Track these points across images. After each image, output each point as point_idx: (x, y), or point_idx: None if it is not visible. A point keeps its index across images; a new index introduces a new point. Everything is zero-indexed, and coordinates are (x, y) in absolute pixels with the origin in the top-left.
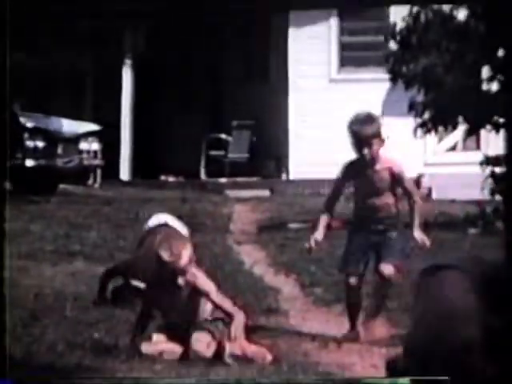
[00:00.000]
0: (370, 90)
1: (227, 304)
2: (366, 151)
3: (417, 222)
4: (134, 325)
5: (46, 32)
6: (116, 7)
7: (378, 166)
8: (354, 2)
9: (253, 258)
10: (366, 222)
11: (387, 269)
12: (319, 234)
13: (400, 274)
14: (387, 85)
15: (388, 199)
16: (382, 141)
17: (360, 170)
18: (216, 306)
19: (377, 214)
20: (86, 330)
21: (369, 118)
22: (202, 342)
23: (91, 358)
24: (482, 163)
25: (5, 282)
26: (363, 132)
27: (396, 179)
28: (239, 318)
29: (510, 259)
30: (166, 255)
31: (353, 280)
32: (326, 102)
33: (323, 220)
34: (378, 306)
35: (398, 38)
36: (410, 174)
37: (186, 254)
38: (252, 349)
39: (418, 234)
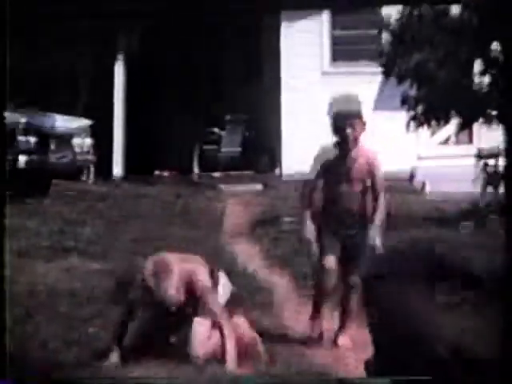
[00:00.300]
0: (363, 84)
1: (218, 313)
2: (348, 131)
3: (377, 222)
4: (119, 324)
5: (44, 31)
6: (116, 7)
7: (354, 153)
8: (345, 2)
9: (246, 252)
10: (336, 217)
11: (354, 279)
12: (309, 231)
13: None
14: (380, 79)
15: (359, 189)
16: (364, 124)
17: (336, 157)
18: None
19: (347, 207)
20: (81, 326)
21: (351, 99)
22: (202, 329)
23: (87, 354)
24: (477, 156)
25: (5, 279)
26: (346, 112)
27: (370, 170)
28: (228, 329)
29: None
30: (153, 287)
31: (331, 261)
32: (318, 95)
33: (307, 215)
34: (345, 314)
35: (392, 31)
36: (403, 166)
37: (171, 285)
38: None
39: (373, 236)
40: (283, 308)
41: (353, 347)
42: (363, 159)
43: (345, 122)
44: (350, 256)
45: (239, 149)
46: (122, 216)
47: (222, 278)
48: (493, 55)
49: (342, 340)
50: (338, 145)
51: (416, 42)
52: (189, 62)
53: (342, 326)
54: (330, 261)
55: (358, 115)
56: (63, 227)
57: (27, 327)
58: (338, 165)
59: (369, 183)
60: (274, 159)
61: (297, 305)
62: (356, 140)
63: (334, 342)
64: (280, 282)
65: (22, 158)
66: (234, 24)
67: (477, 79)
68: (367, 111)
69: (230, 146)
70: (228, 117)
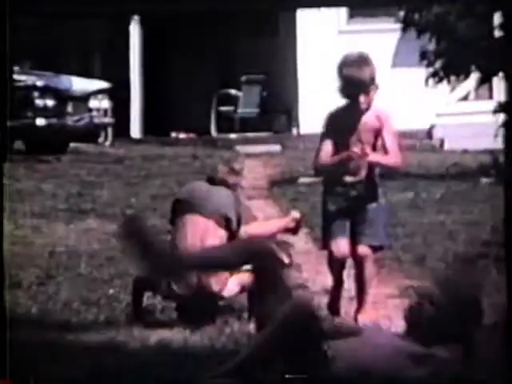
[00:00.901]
0: (380, 40)
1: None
2: (362, 99)
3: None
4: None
5: None
6: None
7: (369, 116)
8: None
9: (265, 213)
10: (341, 180)
11: (364, 250)
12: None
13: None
14: (397, 35)
15: (367, 144)
16: (377, 87)
17: (348, 119)
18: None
19: (355, 169)
20: (101, 287)
21: (363, 60)
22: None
23: (107, 314)
24: (495, 111)
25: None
26: (359, 76)
27: (380, 129)
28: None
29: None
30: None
31: (342, 247)
32: (335, 54)
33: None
34: (361, 291)
35: None
36: (421, 124)
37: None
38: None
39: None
40: (302, 261)
41: (373, 321)
42: (374, 121)
43: (358, 87)
44: (360, 225)
45: (256, 110)
46: (139, 177)
47: None
48: None
49: (362, 318)
50: (347, 109)
51: None
52: (203, 23)
53: (360, 305)
54: (341, 246)
55: (372, 80)
56: (81, 189)
57: (49, 288)
58: (347, 130)
59: (377, 138)
60: (292, 119)
61: (316, 265)
62: (369, 105)
63: (355, 321)
64: (298, 243)
65: (40, 121)
66: None
67: (497, 32)
68: (384, 70)
69: (246, 107)
70: (244, 77)
